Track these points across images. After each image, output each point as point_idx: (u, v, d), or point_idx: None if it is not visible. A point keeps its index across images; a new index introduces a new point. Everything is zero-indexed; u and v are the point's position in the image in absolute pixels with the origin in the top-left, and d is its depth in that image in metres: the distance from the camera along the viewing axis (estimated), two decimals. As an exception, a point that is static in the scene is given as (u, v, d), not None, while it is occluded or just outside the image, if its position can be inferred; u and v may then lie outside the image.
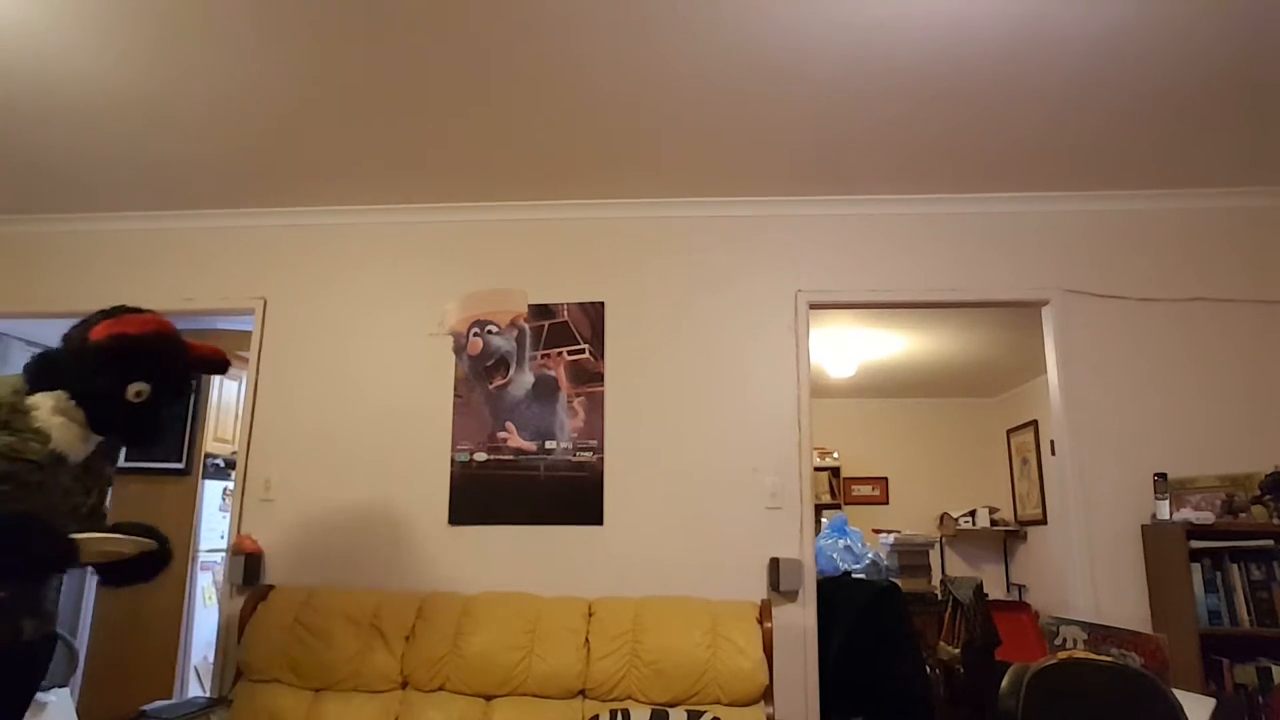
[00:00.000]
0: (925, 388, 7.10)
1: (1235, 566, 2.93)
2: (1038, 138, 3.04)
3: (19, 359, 4.33)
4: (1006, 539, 7.15)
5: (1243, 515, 3.00)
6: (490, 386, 3.54)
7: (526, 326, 3.59)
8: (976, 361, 6.16)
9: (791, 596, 3.24)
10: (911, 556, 5.28)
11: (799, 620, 3.22)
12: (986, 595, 4.88)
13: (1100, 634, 2.63)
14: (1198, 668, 2.84)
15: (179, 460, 4.98)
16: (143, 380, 2.02)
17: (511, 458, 3.46)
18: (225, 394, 5.23)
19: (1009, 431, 7.15)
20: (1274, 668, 2.83)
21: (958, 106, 2.83)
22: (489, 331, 3.60)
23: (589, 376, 3.51)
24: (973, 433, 7.44)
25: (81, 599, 4.83)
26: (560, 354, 3.54)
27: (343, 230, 3.79)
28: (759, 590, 3.25)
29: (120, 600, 4.43)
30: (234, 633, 3.24)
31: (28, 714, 2.15)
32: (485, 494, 3.43)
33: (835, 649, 3.55)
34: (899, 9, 2.33)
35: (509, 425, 3.49)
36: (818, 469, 7.21)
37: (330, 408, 3.59)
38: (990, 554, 7.22)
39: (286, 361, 3.67)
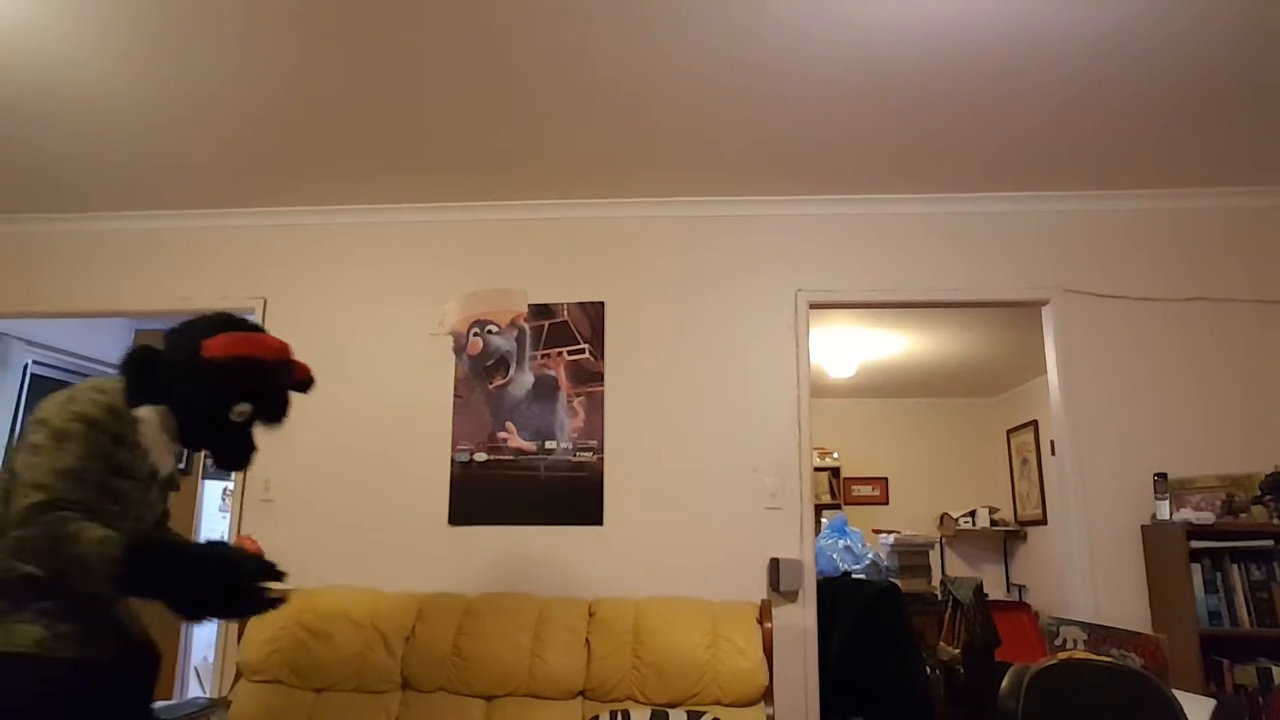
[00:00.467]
0: (925, 388, 7.10)
1: (1235, 567, 2.93)
2: (1038, 137, 3.04)
3: (19, 359, 4.33)
4: (1006, 539, 7.15)
5: (1243, 515, 3.00)
6: (490, 386, 3.54)
7: (526, 326, 3.59)
8: (976, 361, 6.16)
9: (791, 597, 3.24)
10: (911, 557, 5.27)
11: (799, 620, 3.22)
12: (986, 595, 4.88)
13: (1100, 634, 2.63)
14: (1198, 668, 2.84)
15: (179, 460, 4.97)
16: (248, 401, 1.95)
17: (511, 458, 3.46)
18: (225, 394, 5.21)
19: (1009, 431, 7.15)
20: (1274, 668, 2.83)
21: (958, 106, 2.83)
22: (489, 331, 3.59)
23: (589, 376, 3.51)
24: (973, 433, 7.44)
25: (81, 599, 4.82)
26: (560, 354, 3.54)
27: (343, 230, 3.79)
28: (759, 590, 3.25)
29: (120, 600, 4.43)
30: (234, 633, 3.24)
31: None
32: (485, 494, 3.43)
33: (835, 649, 3.55)
34: (899, 9, 2.33)
35: (509, 425, 3.49)
36: (818, 469, 7.21)
37: (330, 407, 3.59)
38: (990, 554, 7.22)
39: (286, 361, 3.66)
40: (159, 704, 2.72)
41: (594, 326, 3.56)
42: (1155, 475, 3.14)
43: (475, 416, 3.52)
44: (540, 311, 3.59)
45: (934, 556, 6.06)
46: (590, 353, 3.53)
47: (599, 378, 3.51)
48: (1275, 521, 2.94)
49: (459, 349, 3.60)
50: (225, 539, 1.89)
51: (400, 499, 3.46)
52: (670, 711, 2.74)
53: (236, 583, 1.74)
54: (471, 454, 3.48)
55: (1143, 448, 3.27)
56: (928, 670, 4.41)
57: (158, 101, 2.86)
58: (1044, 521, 6.54)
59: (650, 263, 3.61)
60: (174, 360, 1.89)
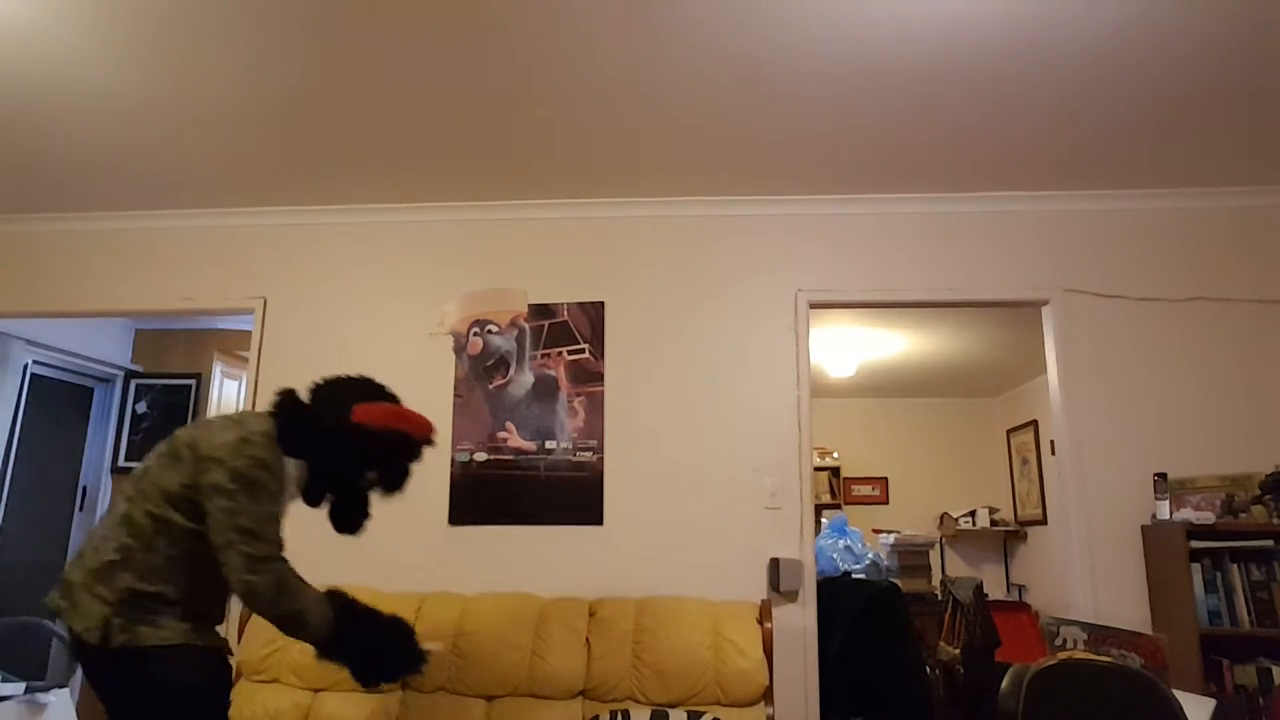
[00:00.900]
0: (925, 388, 7.10)
1: (1235, 566, 2.93)
2: (1038, 137, 3.04)
3: (19, 359, 4.33)
4: (1006, 539, 7.15)
5: (1243, 515, 3.00)
6: (490, 386, 3.54)
7: (526, 326, 3.59)
8: (976, 361, 6.16)
9: (791, 596, 3.24)
10: (911, 556, 5.28)
11: (799, 620, 3.22)
12: (986, 595, 4.88)
13: (1100, 634, 2.63)
14: (1198, 668, 2.84)
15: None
16: (379, 471, 2.03)
17: (511, 458, 3.46)
18: (225, 394, 5.23)
19: (1009, 431, 7.15)
20: (1274, 668, 2.83)
21: (958, 106, 2.83)
22: (489, 331, 3.59)
23: (589, 376, 3.51)
24: (973, 433, 7.44)
25: (81, 599, 4.83)
26: (560, 354, 3.54)
27: (343, 230, 3.79)
28: (759, 590, 3.25)
29: (120, 600, 4.43)
30: (234, 633, 3.24)
31: (27, 714, 2.17)
32: (485, 494, 3.43)
33: (835, 649, 3.56)
34: (899, 9, 2.33)
35: (509, 425, 3.49)
36: (818, 469, 7.21)
37: (330, 408, 3.59)
38: (990, 554, 7.22)
39: (286, 361, 3.67)
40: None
41: (594, 326, 3.56)
42: (1155, 475, 3.14)
43: (475, 416, 3.52)
44: (540, 311, 3.59)
45: (934, 556, 6.06)
46: (590, 353, 3.53)
47: (599, 378, 3.51)
48: (1275, 521, 2.94)
49: (459, 349, 3.60)
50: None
51: (400, 499, 3.45)
52: (670, 711, 2.74)
53: (413, 647, 1.94)
54: (471, 454, 3.48)
55: (1143, 448, 3.27)
56: (928, 670, 4.41)
57: (158, 102, 2.86)
58: (1044, 521, 6.54)
59: (650, 263, 3.61)
60: (322, 419, 1.97)
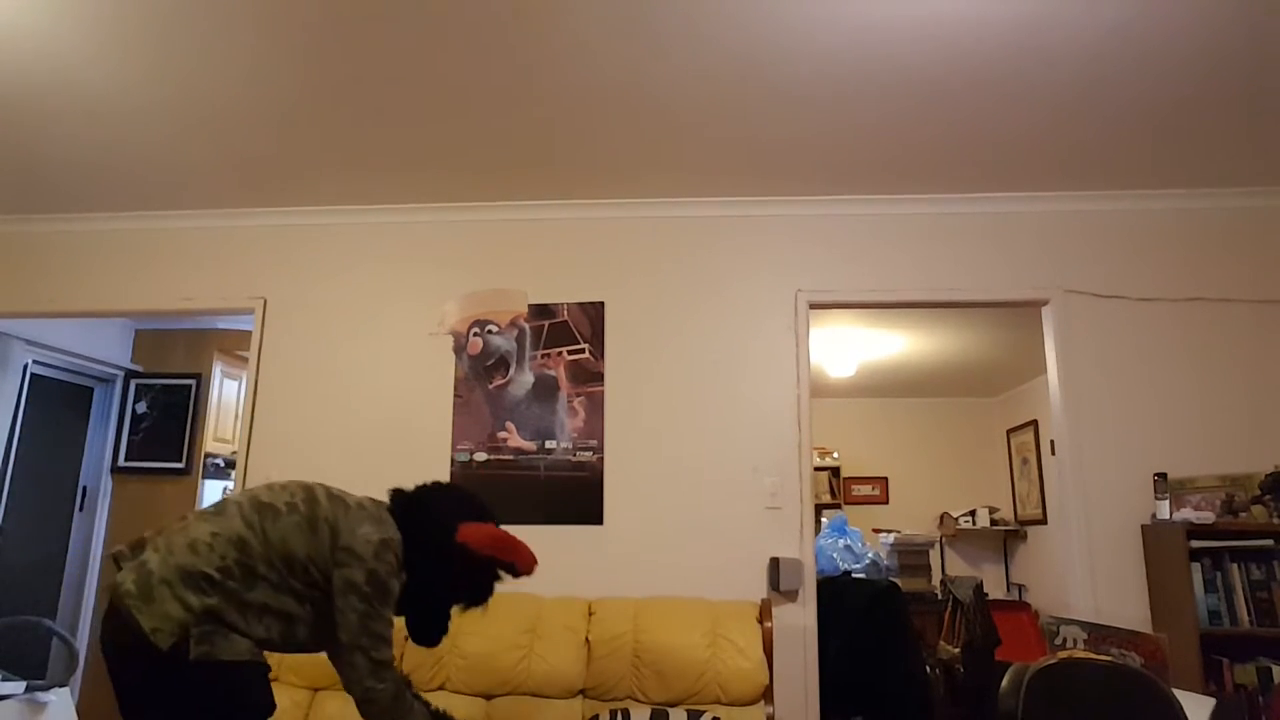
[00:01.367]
0: (925, 388, 7.10)
1: (1235, 566, 2.93)
2: (1038, 137, 3.04)
3: (19, 359, 4.33)
4: (1006, 539, 7.15)
5: (1243, 515, 3.00)
6: (490, 386, 3.54)
7: (526, 326, 3.59)
8: (976, 361, 6.16)
9: (791, 596, 3.24)
10: (911, 556, 5.28)
11: (799, 620, 3.22)
12: (986, 595, 4.88)
13: (1100, 634, 2.63)
14: (1198, 668, 2.84)
15: (179, 460, 4.99)
16: (469, 595, 2.04)
17: (511, 457, 3.46)
18: (225, 394, 5.23)
19: (1009, 431, 7.15)
20: (1274, 668, 2.83)
21: (958, 106, 2.83)
22: (489, 331, 3.60)
23: (589, 376, 3.51)
24: (973, 433, 7.44)
25: (81, 598, 4.84)
26: (560, 354, 3.54)
27: (343, 230, 3.79)
28: (759, 590, 3.25)
29: (120, 600, 4.43)
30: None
31: (27, 714, 2.15)
32: (485, 494, 3.39)
33: (835, 649, 3.55)
34: (899, 10, 2.33)
35: (509, 425, 3.49)
36: (818, 469, 7.21)
37: (330, 407, 3.59)
38: (990, 554, 7.22)
39: (286, 361, 3.67)
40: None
41: (594, 326, 3.56)
42: (1155, 475, 3.14)
43: (475, 416, 3.52)
44: (540, 311, 3.59)
45: (934, 556, 6.06)
46: (590, 353, 3.54)
47: (599, 378, 3.51)
48: (1275, 521, 2.94)
49: (459, 349, 3.60)
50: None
51: (400, 499, 3.46)
52: (670, 711, 2.74)
53: None
54: (471, 454, 3.48)
55: (1143, 448, 3.27)
56: (928, 670, 4.41)
57: (158, 103, 2.86)
58: (1044, 521, 6.54)
59: (650, 263, 3.61)
60: (428, 536, 1.96)
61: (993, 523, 6.93)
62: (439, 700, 2.89)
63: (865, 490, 7.43)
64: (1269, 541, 2.93)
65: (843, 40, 2.47)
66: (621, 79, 2.70)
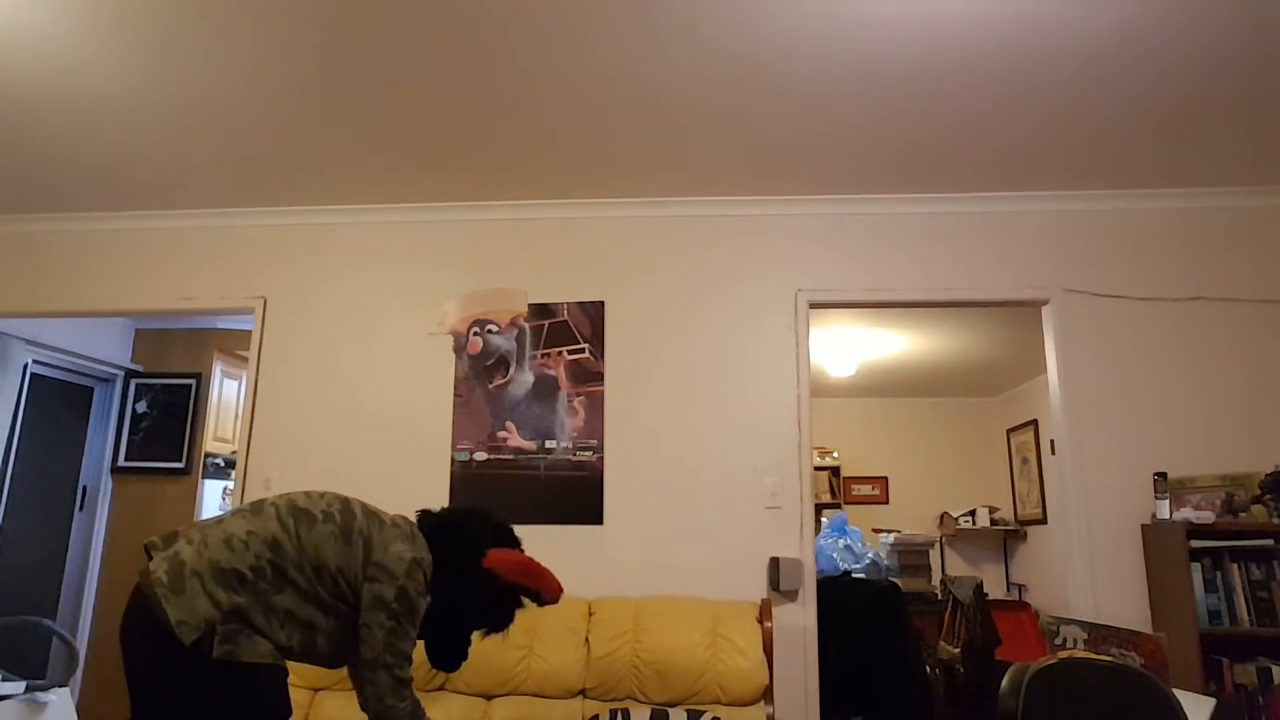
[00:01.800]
0: (925, 387, 7.10)
1: (1235, 566, 2.93)
2: (1038, 137, 3.04)
3: (19, 359, 4.33)
4: (1006, 539, 7.15)
5: (1243, 515, 3.00)
6: (490, 386, 3.54)
7: (526, 326, 3.59)
8: (976, 361, 6.16)
9: (791, 596, 3.24)
10: (911, 556, 5.28)
11: (799, 620, 3.22)
12: (986, 595, 4.88)
13: (1100, 634, 2.62)
14: (1198, 668, 2.84)
15: (179, 460, 4.99)
16: (492, 621, 2.04)
17: (511, 457, 3.46)
18: (225, 394, 5.23)
19: (1009, 431, 7.15)
20: (1274, 668, 2.83)
21: (958, 106, 2.83)
22: (489, 331, 3.60)
23: (589, 376, 3.51)
24: (973, 433, 7.44)
25: (81, 598, 4.84)
26: (560, 353, 3.54)
27: (343, 230, 3.79)
28: (759, 590, 3.25)
29: (120, 599, 4.44)
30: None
31: (27, 714, 2.15)
32: (485, 493, 3.43)
33: (835, 649, 3.56)
34: (898, 9, 2.33)
35: (509, 425, 3.49)
36: (818, 469, 7.21)
37: (330, 407, 3.59)
38: (990, 554, 7.22)
39: (286, 361, 3.67)
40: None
41: (594, 326, 3.56)
42: (1155, 475, 3.14)
43: (475, 416, 3.52)
44: (540, 311, 3.59)
45: (934, 556, 6.07)
46: (590, 352, 3.54)
47: (599, 377, 3.51)
48: (1275, 521, 2.94)
49: (459, 349, 3.60)
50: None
51: (400, 498, 3.46)
52: (670, 710, 2.74)
53: None
54: (471, 453, 3.48)
55: (1143, 447, 3.27)
56: (928, 670, 4.41)
57: (159, 103, 2.86)
58: (1044, 521, 6.54)
59: (650, 263, 3.61)
60: (456, 559, 1.97)
61: (993, 523, 6.93)
62: (440, 700, 2.89)
63: (865, 490, 7.43)
64: (1269, 541, 2.93)
65: (843, 39, 2.47)
66: (621, 79, 2.70)
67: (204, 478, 4.99)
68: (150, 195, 3.67)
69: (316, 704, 2.90)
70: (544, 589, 2.01)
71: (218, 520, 1.86)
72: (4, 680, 2.24)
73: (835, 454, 7.39)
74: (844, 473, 7.41)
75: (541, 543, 3.36)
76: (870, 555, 4.25)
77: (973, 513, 6.99)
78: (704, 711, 2.75)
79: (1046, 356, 3.48)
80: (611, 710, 2.74)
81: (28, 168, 3.40)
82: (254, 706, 1.75)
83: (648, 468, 3.41)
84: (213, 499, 5.07)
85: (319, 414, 3.59)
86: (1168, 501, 3.09)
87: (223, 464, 5.11)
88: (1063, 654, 2.05)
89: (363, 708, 1.84)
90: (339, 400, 3.60)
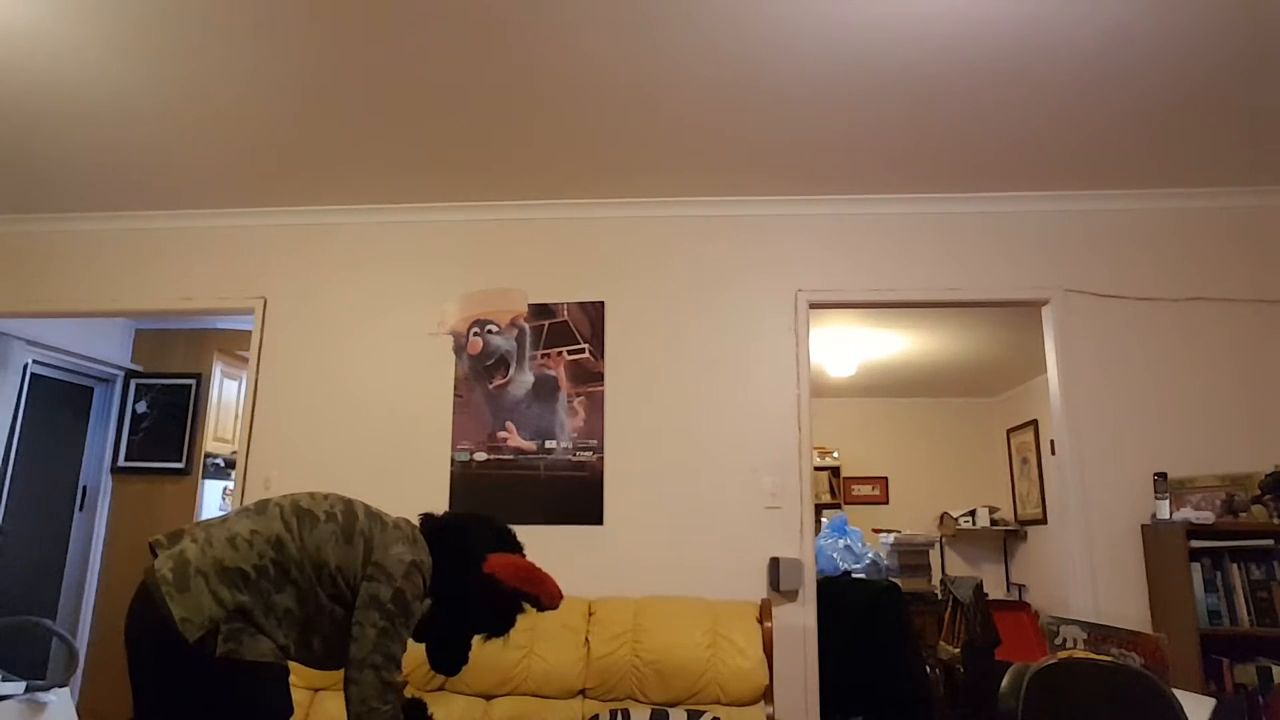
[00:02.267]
0: (925, 388, 7.10)
1: (1235, 566, 2.93)
2: (1038, 137, 3.04)
3: (19, 359, 4.33)
4: (1006, 539, 7.15)
5: (1243, 515, 3.00)
6: (490, 386, 3.54)
7: (526, 326, 3.59)
8: (976, 361, 6.16)
9: (791, 596, 3.24)
10: (911, 556, 5.28)
11: (799, 620, 3.22)
12: (986, 595, 4.88)
13: (1100, 634, 2.63)
14: (1198, 668, 2.84)
15: (179, 460, 4.99)
16: (492, 625, 2.04)
17: (511, 457, 3.46)
18: (225, 394, 5.23)
19: (1009, 431, 7.15)
20: (1274, 667, 2.83)
21: (958, 106, 2.83)
22: (489, 331, 3.60)
23: (589, 376, 3.51)
24: (973, 433, 7.44)
25: (81, 598, 4.84)
26: (560, 353, 3.54)
27: (343, 230, 3.79)
28: (759, 590, 3.25)
29: (120, 599, 4.43)
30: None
31: (27, 714, 2.15)
32: (485, 494, 3.43)
33: (835, 649, 3.55)
34: (898, 9, 2.33)
35: (509, 425, 3.49)
36: (818, 469, 7.21)
37: (330, 407, 3.59)
38: (990, 554, 7.22)
39: (286, 361, 3.67)
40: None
41: (594, 326, 3.56)
42: (1155, 475, 3.14)
43: (475, 416, 3.52)
44: (540, 311, 3.59)
45: (934, 556, 6.07)
46: (590, 353, 3.54)
47: (599, 377, 3.51)
48: (1275, 521, 2.94)
49: (459, 349, 3.60)
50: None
51: (400, 498, 3.46)
52: (670, 710, 2.74)
53: None
54: (471, 454, 3.48)
55: (1143, 447, 3.27)
56: (928, 670, 4.41)
57: (159, 103, 2.86)
58: (1044, 521, 6.54)
59: (650, 263, 3.61)
60: (456, 564, 1.97)
61: (993, 523, 6.93)
62: (439, 700, 2.89)
63: (865, 490, 7.43)
64: (1269, 541, 2.93)
65: (843, 39, 2.47)
66: (622, 79, 2.70)
67: (204, 478, 4.98)
68: (150, 195, 3.67)
69: (317, 704, 2.90)
70: (543, 595, 2.02)
71: (222, 519, 1.87)
72: (4, 680, 2.24)
73: (835, 454, 7.39)
74: (844, 473, 7.42)
75: (541, 543, 3.37)
76: (870, 555, 4.25)
77: (973, 513, 6.99)
78: (704, 711, 2.75)
79: (1046, 356, 3.48)
80: (611, 710, 2.74)
81: (28, 168, 3.40)
82: (256, 705, 1.75)
83: (648, 468, 3.41)
84: (213, 499, 5.07)
85: (319, 414, 3.59)
86: (1168, 501, 3.09)
87: (223, 464, 5.11)
88: (1063, 654, 2.05)
89: (346, 706, 1.84)
90: (339, 400, 3.60)
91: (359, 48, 2.55)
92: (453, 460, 3.48)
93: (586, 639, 2.97)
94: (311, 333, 3.69)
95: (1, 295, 3.88)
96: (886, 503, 7.39)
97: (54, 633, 2.31)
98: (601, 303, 3.58)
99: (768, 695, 2.87)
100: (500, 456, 3.47)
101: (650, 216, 3.65)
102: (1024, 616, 5.83)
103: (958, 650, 4.60)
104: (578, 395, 3.50)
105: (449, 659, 2.04)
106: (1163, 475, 3.11)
